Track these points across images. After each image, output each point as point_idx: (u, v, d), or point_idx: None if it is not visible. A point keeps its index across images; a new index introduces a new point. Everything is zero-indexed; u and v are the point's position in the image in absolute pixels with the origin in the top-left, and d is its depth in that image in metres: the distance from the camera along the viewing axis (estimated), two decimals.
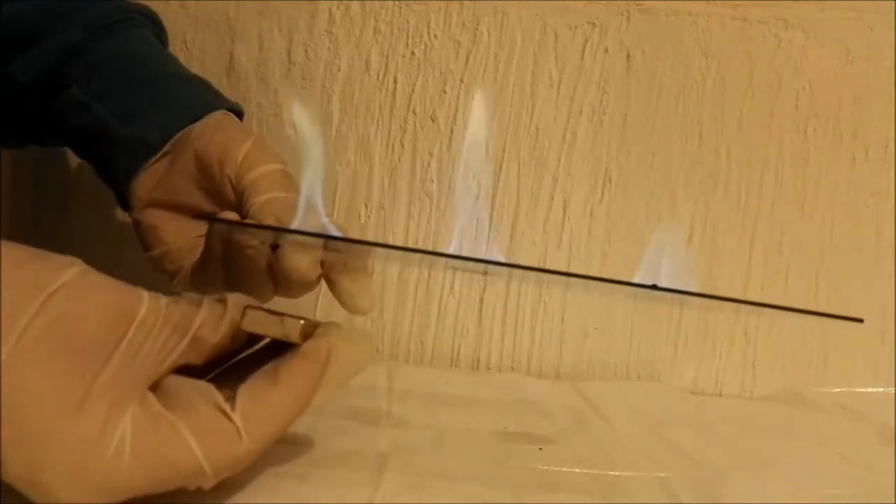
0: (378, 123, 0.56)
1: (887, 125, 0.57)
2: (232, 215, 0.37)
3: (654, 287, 0.30)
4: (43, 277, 0.28)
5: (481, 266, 0.34)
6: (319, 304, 0.55)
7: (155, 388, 0.30)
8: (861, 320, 0.31)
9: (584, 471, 0.38)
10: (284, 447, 0.36)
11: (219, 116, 0.42)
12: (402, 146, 0.56)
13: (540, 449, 0.40)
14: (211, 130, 0.41)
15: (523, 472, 0.37)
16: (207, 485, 0.29)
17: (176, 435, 0.28)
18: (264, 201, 0.38)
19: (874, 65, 0.56)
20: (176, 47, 0.55)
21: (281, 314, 0.31)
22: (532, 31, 0.56)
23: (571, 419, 0.46)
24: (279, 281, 0.37)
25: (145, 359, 0.29)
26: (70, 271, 0.28)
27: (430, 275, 0.57)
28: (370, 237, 0.56)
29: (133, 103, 0.42)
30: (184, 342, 0.30)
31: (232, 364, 0.33)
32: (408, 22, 0.55)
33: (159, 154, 0.42)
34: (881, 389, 0.56)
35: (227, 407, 0.29)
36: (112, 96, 0.42)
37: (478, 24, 0.55)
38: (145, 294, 0.30)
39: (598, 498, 0.36)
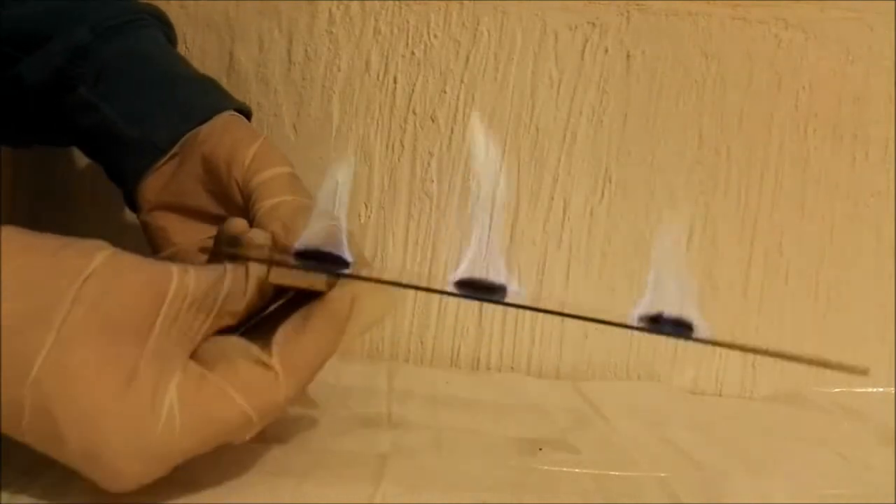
0: (378, 123, 0.56)
1: (887, 125, 0.57)
2: (241, 223, 0.37)
3: (656, 331, 0.30)
4: (77, 262, 0.29)
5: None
6: None
7: (194, 353, 0.31)
8: (866, 372, 0.31)
9: (584, 471, 0.38)
10: (285, 447, 0.36)
11: (226, 118, 0.42)
12: (402, 146, 0.56)
13: (540, 449, 0.40)
14: (218, 132, 0.41)
15: (523, 472, 0.37)
16: (253, 433, 0.31)
17: (221, 393, 0.30)
18: (271, 206, 0.38)
19: (874, 65, 0.56)
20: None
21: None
22: (532, 31, 0.56)
23: (571, 419, 0.46)
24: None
25: (181, 331, 0.30)
26: (101, 254, 0.29)
27: (429, 275, 0.57)
28: (370, 237, 0.56)
29: (141, 104, 0.42)
30: (214, 310, 0.31)
31: (263, 316, 0.34)
32: (408, 22, 0.55)
33: (167, 156, 0.42)
34: (881, 389, 0.56)
35: (264, 357, 0.31)
36: (120, 97, 0.42)
37: (478, 24, 0.55)
38: (174, 268, 0.30)
39: (598, 498, 0.36)
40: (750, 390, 0.57)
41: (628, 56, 0.56)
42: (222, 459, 0.32)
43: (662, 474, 0.38)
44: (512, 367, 0.57)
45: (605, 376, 0.57)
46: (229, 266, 0.32)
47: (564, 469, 0.38)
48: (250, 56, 0.56)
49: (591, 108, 0.56)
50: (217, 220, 0.40)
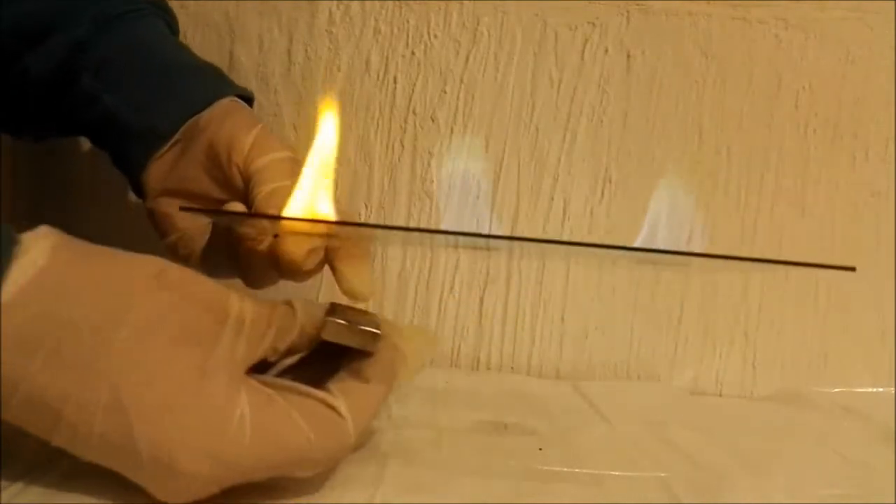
0: (378, 123, 0.56)
1: (887, 125, 0.57)
2: (237, 205, 0.38)
3: (656, 249, 0.31)
4: (148, 270, 0.29)
5: (482, 242, 0.35)
6: (322, 292, 0.55)
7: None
8: (853, 269, 0.31)
9: (584, 471, 0.38)
10: None
11: (227, 104, 0.43)
12: (402, 146, 0.56)
13: (540, 449, 0.40)
14: (219, 118, 0.42)
15: (523, 472, 0.37)
16: (313, 471, 0.31)
17: (288, 417, 0.30)
18: (270, 191, 0.38)
19: (874, 65, 0.56)
20: None
21: (358, 324, 0.33)
22: (532, 31, 0.56)
23: (571, 419, 0.46)
24: (279, 267, 0.37)
25: (242, 349, 0.30)
26: (169, 266, 0.30)
27: (430, 274, 0.57)
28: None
29: (142, 93, 0.42)
30: (267, 338, 0.31)
31: (290, 364, 0.34)
32: (408, 22, 0.55)
33: (169, 143, 0.42)
34: (881, 389, 0.56)
35: (329, 399, 0.31)
36: (122, 87, 0.42)
37: (478, 24, 0.55)
38: (231, 290, 0.31)
39: (598, 498, 0.36)
40: (750, 390, 0.57)
41: (628, 56, 0.56)
42: None
43: (662, 474, 0.38)
44: (512, 368, 0.57)
45: (605, 376, 0.57)
46: (279, 303, 0.32)
47: (564, 469, 0.38)
48: (250, 56, 0.56)
49: (591, 108, 0.56)
50: (220, 205, 0.41)
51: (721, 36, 0.56)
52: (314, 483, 0.33)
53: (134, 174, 0.43)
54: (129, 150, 0.43)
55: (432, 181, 0.56)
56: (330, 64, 0.56)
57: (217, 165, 0.41)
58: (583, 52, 0.56)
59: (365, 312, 0.34)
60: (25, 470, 0.32)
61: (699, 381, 0.57)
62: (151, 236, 0.44)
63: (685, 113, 0.56)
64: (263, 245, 0.38)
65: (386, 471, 0.35)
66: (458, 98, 0.56)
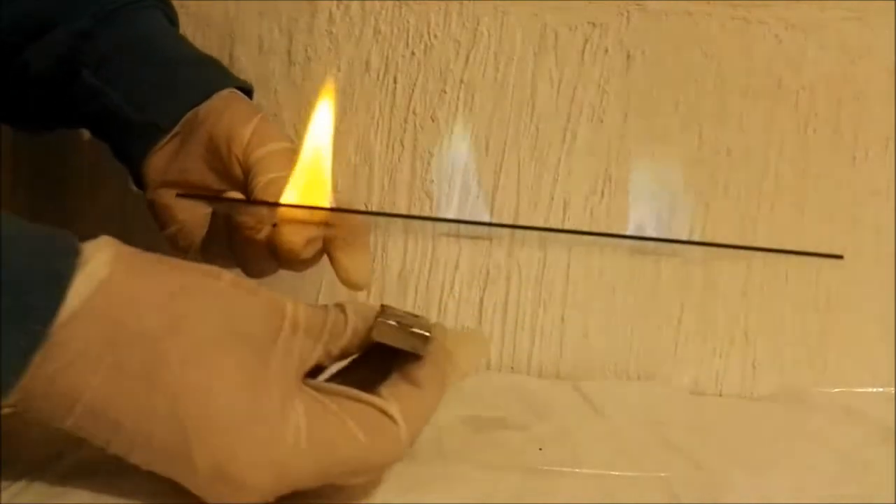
0: (378, 123, 0.56)
1: (887, 125, 0.56)
2: (236, 195, 0.38)
3: (648, 237, 0.31)
4: (206, 280, 0.30)
5: (484, 235, 0.35)
6: (323, 286, 0.56)
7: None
8: (841, 257, 0.31)
9: (585, 470, 0.38)
10: None
11: (226, 95, 0.43)
12: (402, 146, 0.56)
13: (540, 449, 0.40)
14: (218, 110, 0.42)
15: (524, 472, 0.37)
16: (366, 479, 0.31)
17: (343, 425, 0.30)
18: (268, 181, 0.38)
19: (874, 65, 0.56)
20: None
21: (409, 326, 0.32)
22: (532, 31, 0.56)
23: (571, 419, 0.46)
24: (277, 256, 0.37)
25: (296, 355, 0.30)
26: (227, 275, 0.30)
27: (430, 274, 0.57)
28: (370, 237, 0.56)
29: (142, 87, 0.43)
30: (320, 344, 0.31)
31: (341, 368, 0.34)
32: (408, 22, 0.55)
33: (169, 136, 0.42)
34: (881, 389, 0.56)
35: (383, 405, 0.31)
36: (122, 81, 0.43)
37: (478, 24, 0.55)
38: (286, 298, 0.31)
39: (598, 498, 0.36)
40: (750, 390, 0.57)
41: (628, 56, 0.56)
42: None
43: (662, 474, 0.38)
44: (512, 368, 0.57)
45: (605, 376, 0.57)
46: (331, 307, 0.32)
47: (564, 469, 0.38)
48: (250, 56, 0.56)
49: (591, 108, 0.56)
50: (220, 195, 0.41)
51: (721, 36, 0.56)
52: None
53: (134, 166, 0.44)
54: (129, 143, 0.43)
55: (432, 181, 0.56)
56: (330, 64, 0.56)
57: (217, 156, 0.41)
58: (583, 52, 0.56)
59: (415, 315, 0.34)
60: (25, 470, 0.32)
61: (699, 381, 0.57)
62: (152, 228, 0.44)
63: (685, 113, 0.56)
64: (262, 234, 0.38)
65: (386, 471, 0.35)
66: (458, 98, 0.56)
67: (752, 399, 0.57)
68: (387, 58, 0.56)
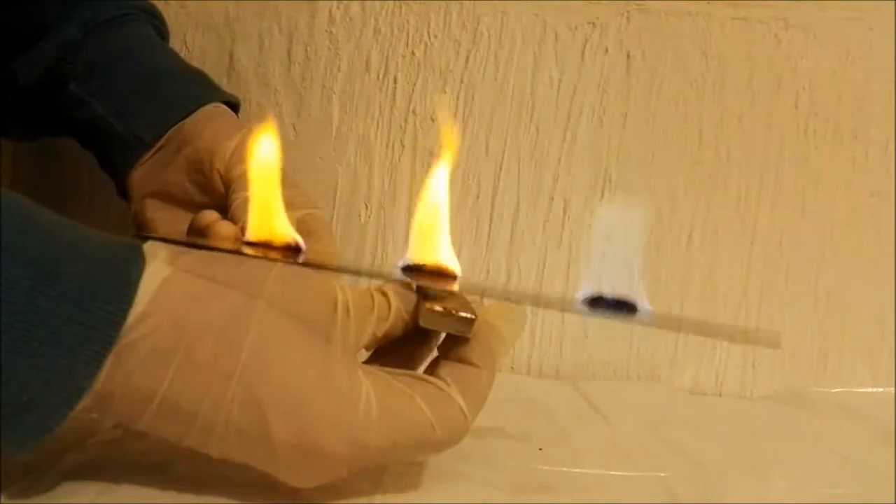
0: (378, 123, 0.56)
1: (887, 125, 0.57)
2: (211, 214, 0.38)
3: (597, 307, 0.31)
4: (260, 270, 0.31)
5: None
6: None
7: None
8: (778, 342, 0.32)
9: (584, 471, 0.38)
10: None
11: (210, 110, 0.43)
12: (402, 146, 0.56)
13: (540, 449, 0.40)
14: (201, 125, 0.42)
15: (523, 472, 0.37)
16: (432, 455, 0.32)
17: (409, 398, 0.31)
18: (245, 198, 0.39)
19: (874, 65, 0.56)
20: (176, 47, 0.55)
21: (454, 310, 0.33)
22: (532, 31, 0.56)
23: (571, 419, 0.46)
24: None
25: (352, 335, 0.31)
26: (276, 265, 0.31)
27: None
28: (370, 237, 0.56)
29: (127, 100, 0.43)
30: (368, 328, 0.32)
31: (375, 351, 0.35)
32: (408, 22, 0.55)
33: (153, 150, 0.43)
34: (881, 389, 0.56)
35: (441, 385, 0.32)
36: (107, 93, 0.43)
37: (478, 24, 0.55)
38: (334, 281, 0.32)
39: (598, 498, 0.36)
40: (750, 390, 0.57)
41: (628, 56, 0.56)
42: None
43: (662, 474, 0.38)
44: (512, 368, 0.57)
45: (605, 376, 0.57)
46: (374, 290, 0.33)
47: (564, 469, 0.38)
48: (250, 56, 0.56)
49: (591, 108, 0.56)
50: (202, 209, 0.41)
51: (721, 36, 0.56)
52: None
53: (119, 178, 0.44)
54: (114, 155, 0.44)
55: None
56: (330, 64, 0.56)
57: (199, 171, 0.41)
58: (583, 52, 0.56)
59: (452, 293, 0.34)
60: (25, 470, 0.32)
61: (699, 381, 0.57)
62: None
63: (685, 113, 0.56)
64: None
65: (386, 471, 0.35)
66: (458, 98, 0.56)
67: (752, 399, 0.57)
68: (387, 58, 0.56)
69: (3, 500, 0.30)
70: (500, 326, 0.34)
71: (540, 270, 0.57)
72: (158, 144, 0.43)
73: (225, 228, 0.37)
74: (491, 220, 0.57)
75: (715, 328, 0.34)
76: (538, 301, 0.37)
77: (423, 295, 0.34)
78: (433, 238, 0.33)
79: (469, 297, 0.34)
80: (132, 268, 0.28)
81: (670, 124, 0.56)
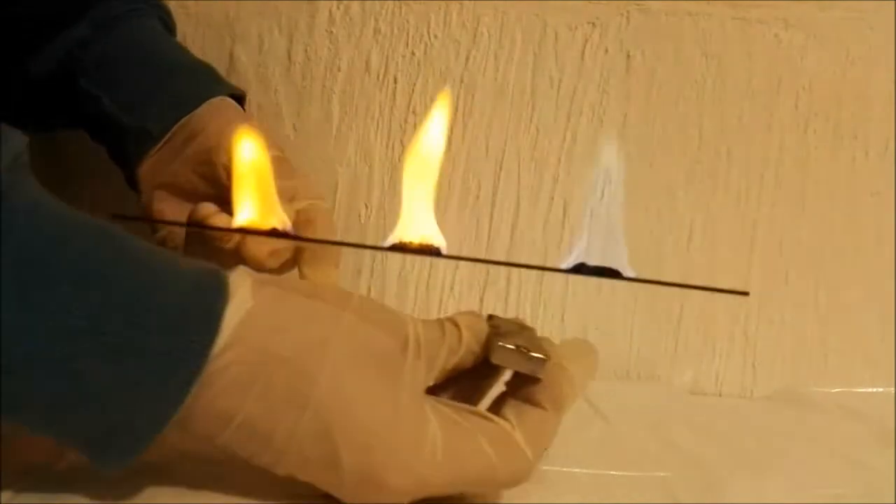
0: (378, 123, 0.56)
1: (887, 125, 0.57)
2: (208, 208, 0.38)
3: (580, 271, 0.31)
4: (335, 305, 0.31)
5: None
6: None
7: None
8: (747, 293, 0.31)
9: (584, 471, 0.38)
10: None
11: (216, 103, 0.44)
12: (403, 146, 0.56)
13: None
14: (207, 118, 0.43)
15: None
16: (492, 492, 0.33)
17: (474, 438, 0.31)
18: None
19: (874, 65, 0.56)
20: None
21: (527, 350, 0.33)
22: (532, 31, 0.56)
23: (571, 419, 0.46)
24: (246, 265, 0.39)
25: (422, 371, 0.32)
26: (348, 293, 0.32)
27: (430, 274, 0.57)
28: (370, 237, 0.56)
29: (136, 94, 0.44)
30: (438, 362, 0.32)
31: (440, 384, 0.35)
32: (408, 22, 0.55)
33: (161, 143, 0.43)
34: (881, 389, 0.56)
35: (513, 431, 0.32)
36: (116, 88, 0.44)
37: (478, 24, 0.55)
38: (406, 316, 0.33)
39: (598, 498, 0.36)
40: (750, 390, 0.57)
41: (628, 56, 0.56)
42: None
43: (662, 474, 0.39)
44: None
45: (605, 376, 0.57)
46: (445, 322, 0.33)
47: (564, 469, 0.38)
48: (250, 56, 0.56)
49: (591, 108, 0.56)
50: (210, 199, 0.42)
51: (721, 36, 0.56)
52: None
53: (128, 170, 0.45)
54: (123, 148, 0.44)
55: None
56: (330, 64, 0.56)
57: (205, 164, 0.42)
58: (583, 52, 0.56)
59: (524, 326, 0.34)
60: (25, 470, 0.32)
61: (699, 381, 0.57)
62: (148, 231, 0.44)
63: (685, 113, 0.56)
64: (230, 244, 0.39)
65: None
66: (458, 98, 0.56)
67: (752, 399, 0.57)
68: (387, 58, 0.56)
69: (3, 500, 0.30)
70: (571, 370, 0.34)
71: (540, 270, 0.57)
72: (166, 137, 0.43)
73: (221, 221, 0.37)
74: (491, 220, 0.57)
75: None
76: (520, 265, 0.36)
77: (496, 329, 0.34)
78: (420, 208, 0.33)
79: (537, 336, 0.34)
80: (219, 299, 0.29)
81: (670, 124, 0.56)
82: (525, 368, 0.33)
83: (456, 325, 0.33)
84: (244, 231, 0.33)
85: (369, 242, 0.56)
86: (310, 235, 0.40)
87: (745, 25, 0.56)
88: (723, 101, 0.56)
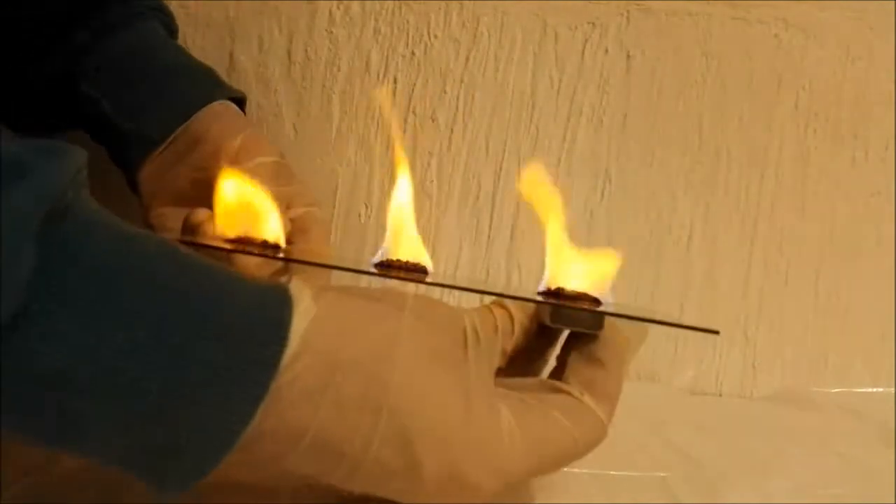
0: (378, 123, 0.56)
1: (887, 125, 0.57)
2: (203, 213, 0.38)
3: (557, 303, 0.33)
4: (395, 304, 0.31)
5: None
6: None
7: None
8: (717, 332, 0.33)
9: (584, 471, 0.38)
10: None
11: (216, 108, 0.44)
12: (402, 146, 0.56)
13: None
14: (208, 122, 0.43)
15: None
16: (575, 460, 0.32)
17: (548, 416, 0.31)
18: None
19: (874, 65, 0.56)
20: None
21: (582, 307, 0.33)
22: (532, 31, 0.56)
23: None
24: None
25: (485, 361, 0.32)
26: (406, 294, 0.32)
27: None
28: (370, 237, 0.56)
29: (136, 99, 0.44)
30: (496, 347, 0.33)
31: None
32: (408, 22, 0.55)
33: (162, 147, 0.43)
34: (881, 389, 0.56)
35: (575, 392, 0.32)
36: (117, 92, 0.44)
37: (478, 24, 0.55)
38: (460, 310, 0.33)
39: (598, 498, 0.36)
40: (750, 390, 0.57)
41: (628, 56, 0.56)
42: None
43: (662, 474, 0.39)
44: None
45: None
46: (493, 306, 0.33)
47: (564, 469, 0.38)
48: (250, 56, 0.56)
49: (591, 108, 0.56)
50: (209, 204, 0.41)
51: (721, 36, 0.56)
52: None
53: (130, 173, 0.45)
54: (124, 151, 0.45)
55: (432, 181, 0.56)
56: (330, 64, 0.56)
57: (206, 168, 0.42)
58: (583, 52, 0.56)
59: (572, 294, 0.34)
60: (25, 470, 0.32)
61: (699, 381, 0.57)
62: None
63: (685, 113, 0.56)
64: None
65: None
66: (458, 98, 0.56)
67: (752, 399, 0.57)
68: (387, 58, 0.56)
69: (3, 501, 0.30)
70: (623, 327, 0.34)
71: (540, 270, 0.56)
72: (167, 142, 0.43)
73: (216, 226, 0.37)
74: (491, 220, 0.57)
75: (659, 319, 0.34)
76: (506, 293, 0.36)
77: (546, 296, 0.33)
78: (405, 236, 0.34)
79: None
80: (284, 309, 0.28)
81: (670, 124, 0.56)
82: (587, 325, 0.33)
83: (502, 306, 0.33)
84: (234, 251, 0.33)
85: (369, 243, 0.56)
86: (304, 245, 0.40)
87: (745, 25, 0.56)
88: (723, 101, 0.56)
